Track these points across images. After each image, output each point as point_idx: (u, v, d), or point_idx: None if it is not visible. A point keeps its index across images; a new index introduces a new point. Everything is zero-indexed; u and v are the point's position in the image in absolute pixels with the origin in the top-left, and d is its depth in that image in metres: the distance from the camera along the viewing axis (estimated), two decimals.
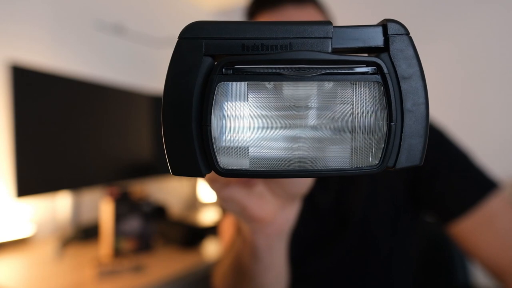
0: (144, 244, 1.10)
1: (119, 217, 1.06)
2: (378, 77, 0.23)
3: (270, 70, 0.23)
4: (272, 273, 0.52)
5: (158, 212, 1.44)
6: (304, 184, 0.41)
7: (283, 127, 0.26)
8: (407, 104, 0.23)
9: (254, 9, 0.74)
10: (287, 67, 0.23)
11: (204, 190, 1.90)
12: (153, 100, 1.56)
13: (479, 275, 1.14)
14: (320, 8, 0.74)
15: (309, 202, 0.72)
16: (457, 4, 1.89)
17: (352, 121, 0.25)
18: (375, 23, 0.25)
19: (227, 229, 0.80)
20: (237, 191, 0.37)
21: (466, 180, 0.69)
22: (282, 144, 0.26)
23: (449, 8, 1.90)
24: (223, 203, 0.39)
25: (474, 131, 1.81)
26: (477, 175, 0.69)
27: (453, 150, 0.71)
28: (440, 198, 0.70)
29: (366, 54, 0.26)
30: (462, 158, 0.71)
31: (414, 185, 0.73)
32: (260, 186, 0.39)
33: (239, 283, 0.57)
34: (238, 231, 0.55)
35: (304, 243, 0.76)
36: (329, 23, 0.24)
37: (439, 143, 0.72)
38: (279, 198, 0.41)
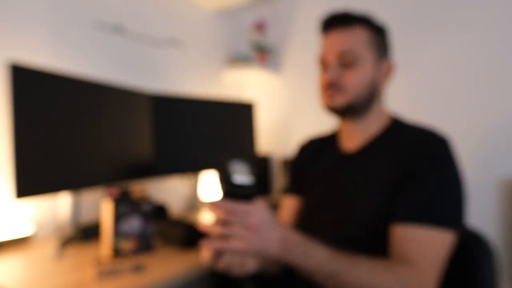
0: (144, 244, 1.09)
1: (119, 217, 1.05)
2: None
3: None
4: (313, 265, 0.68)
5: (158, 212, 1.44)
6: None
7: None
8: None
9: (321, 31, 0.93)
10: None
11: (204, 190, 1.89)
12: (153, 100, 1.56)
13: None
14: (369, 24, 0.88)
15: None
16: None
17: None
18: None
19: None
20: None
21: (424, 200, 0.74)
22: None
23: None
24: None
25: (476, 130, 1.81)
26: (437, 204, 0.73)
27: (442, 170, 0.76)
28: (399, 197, 0.77)
29: None
30: (443, 182, 0.75)
31: (396, 179, 0.79)
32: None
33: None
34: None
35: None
36: None
37: (436, 156, 0.78)
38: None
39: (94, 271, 0.91)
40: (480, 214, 1.77)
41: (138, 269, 0.95)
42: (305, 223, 0.94)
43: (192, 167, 1.74)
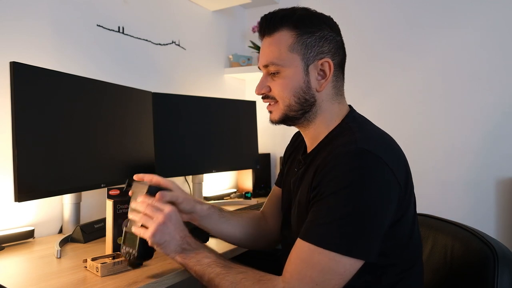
0: None
1: (119, 217, 1.05)
2: None
3: None
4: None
5: None
6: None
7: None
8: None
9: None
10: None
11: (205, 189, 1.89)
12: (154, 100, 1.56)
13: None
14: (294, 25, 0.84)
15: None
16: None
17: None
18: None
19: None
20: None
21: (312, 220, 0.74)
22: None
23: None
24: None
25: (476, 130, 1.81)
26: (321, 226, 0.71)
27: (336, 193, 0.71)
28: (305, 206, 0.80)
29: None
30: (335, 205, 0.71)
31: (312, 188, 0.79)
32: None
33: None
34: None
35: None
36: None
37: (334, 177, 0.72)
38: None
39: (94, 271, 0.92)
40: (480, 214, 1.77)
41: (138, 268, 0.95)
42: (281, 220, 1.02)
43: (195, 168, 1.74)
